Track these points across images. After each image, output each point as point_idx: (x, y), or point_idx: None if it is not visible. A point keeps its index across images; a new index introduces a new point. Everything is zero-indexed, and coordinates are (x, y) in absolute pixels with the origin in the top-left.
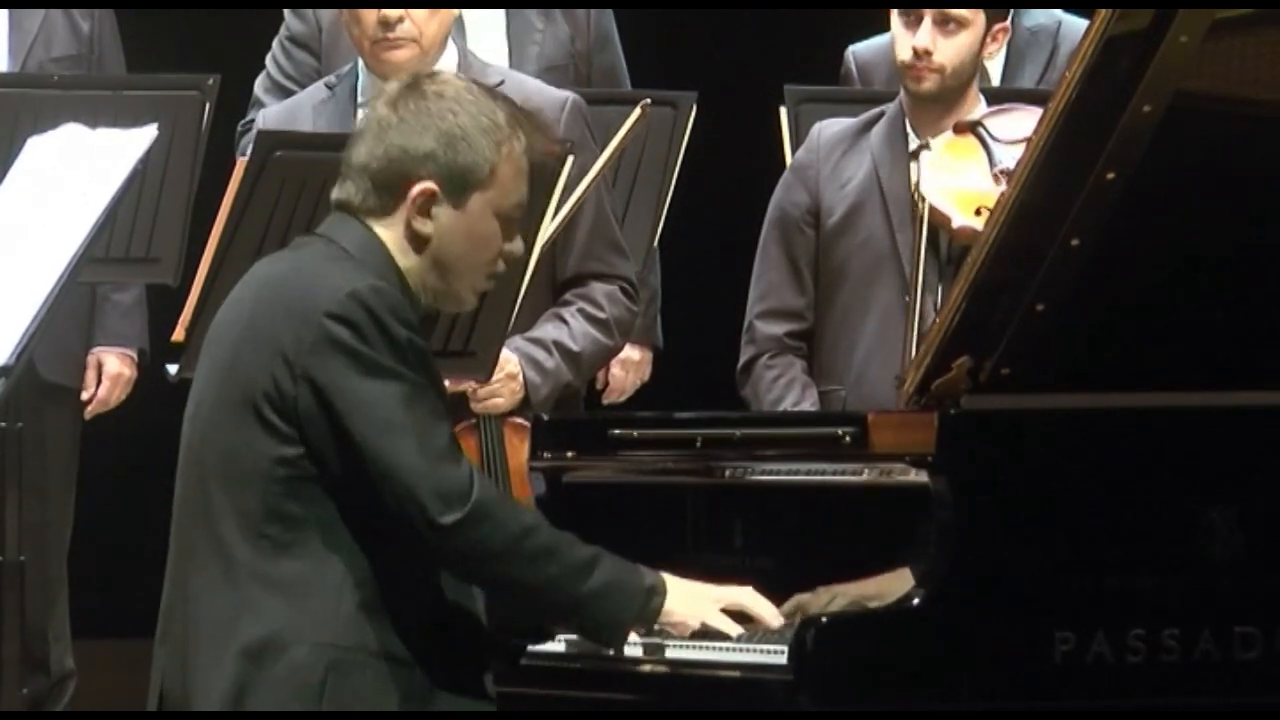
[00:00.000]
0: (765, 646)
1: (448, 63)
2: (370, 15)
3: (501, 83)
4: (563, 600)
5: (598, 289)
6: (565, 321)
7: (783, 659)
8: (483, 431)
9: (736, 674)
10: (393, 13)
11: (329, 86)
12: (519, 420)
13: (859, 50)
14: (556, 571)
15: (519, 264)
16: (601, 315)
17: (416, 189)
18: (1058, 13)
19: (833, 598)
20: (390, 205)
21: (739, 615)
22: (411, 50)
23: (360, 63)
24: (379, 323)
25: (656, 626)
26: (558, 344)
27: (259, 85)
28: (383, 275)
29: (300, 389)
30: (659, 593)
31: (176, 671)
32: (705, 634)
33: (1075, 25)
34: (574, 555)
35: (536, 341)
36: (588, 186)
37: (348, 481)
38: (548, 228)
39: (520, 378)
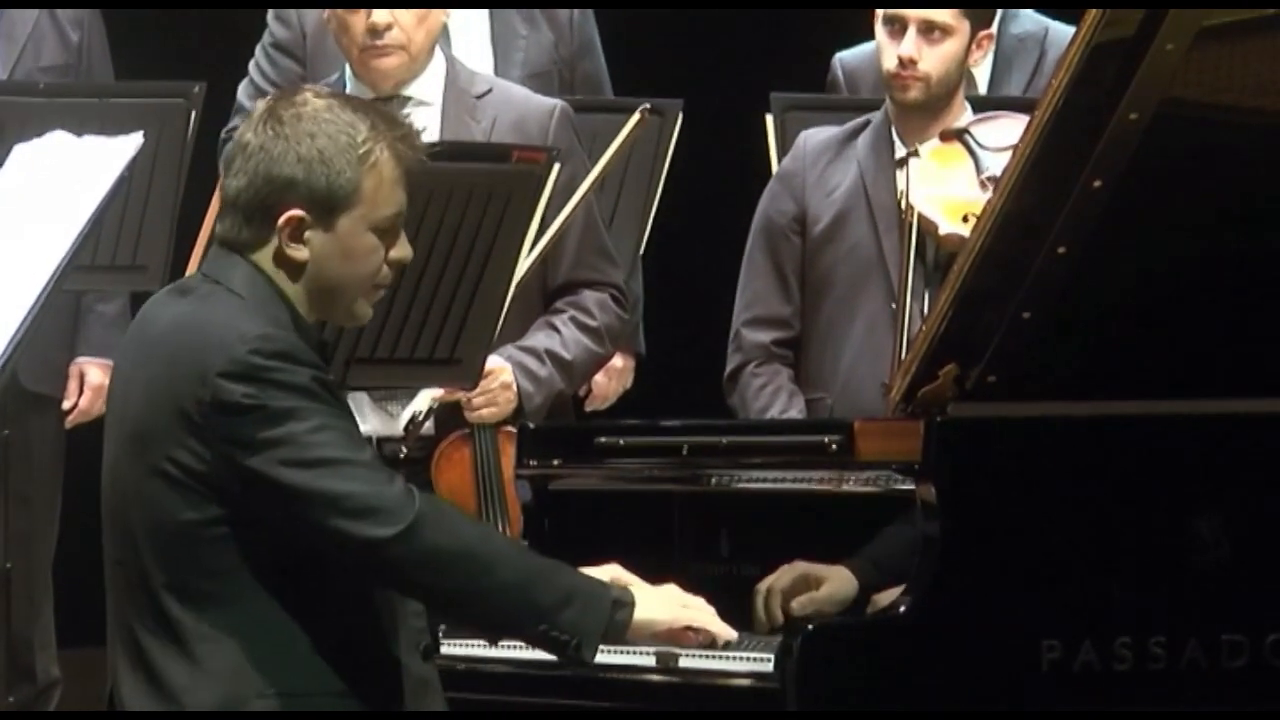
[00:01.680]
0: (751, 654)
1: (435, 71)
2: (359, 23)
3: (489, 91)
4: (525, 609)
5: (589, 297)
6: (557, 330)
7: (769, 666)
8: (477, 441)
9: (722, 681)
10: (381, 20)
11: None
12: (513, 429)
13: (846, 58)
14: (516, 578)
15: (506, 271)
16: (593, 323)
17: (283, 218)
18: (1045, 20)
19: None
20: (264, 235)
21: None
22: (400, 58)
23: (347, 70)
24: (273, 371)
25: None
26: (550, 352)
27: (242, 92)
28: (271, 312)
29: (213, 452)
30: (626, 604)
31: None
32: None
33: (1062, 32)
34: (533, 561)
35: (529, 350)
36: (587, 190)
37: (282, 528)
38: (532, 238)
39: (514, 387)
